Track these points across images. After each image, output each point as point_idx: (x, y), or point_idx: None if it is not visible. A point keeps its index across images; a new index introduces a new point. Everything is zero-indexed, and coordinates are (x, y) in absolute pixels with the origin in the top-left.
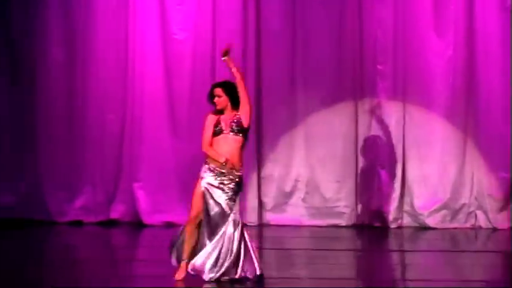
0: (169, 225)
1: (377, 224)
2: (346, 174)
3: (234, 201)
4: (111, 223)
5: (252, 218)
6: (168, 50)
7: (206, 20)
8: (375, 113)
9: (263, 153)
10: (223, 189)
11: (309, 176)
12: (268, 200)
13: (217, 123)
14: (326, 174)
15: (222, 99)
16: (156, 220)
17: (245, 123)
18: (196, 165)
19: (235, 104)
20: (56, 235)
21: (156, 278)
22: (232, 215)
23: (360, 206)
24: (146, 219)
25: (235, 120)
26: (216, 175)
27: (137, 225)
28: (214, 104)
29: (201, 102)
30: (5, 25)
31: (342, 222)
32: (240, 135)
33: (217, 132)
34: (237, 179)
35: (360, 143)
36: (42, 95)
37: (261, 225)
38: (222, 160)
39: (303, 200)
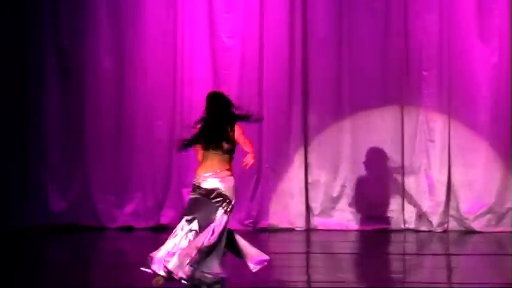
0: None
1: (423, 228)
2: (392, 179)
3: (223, 206)
4: (160, 228)
5: (299, 223)
6: (216, 57)
7: (254, 27)
8: (420, 118)
9: (310, 159)
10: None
11: (356, 180)
12: (316, 205)
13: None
14: (372, 179)
15: None
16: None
17: (239, 140)
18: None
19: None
20: (106, 240)
21: None
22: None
23: (406, 211)
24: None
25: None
26: (197, 187)
27: None
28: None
29: (249, 107)
30: (55, 33)
31: (389, 226)
32: (226, 155)
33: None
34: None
35: (406, 147)
36: (91, 102)
37: (309, 230)
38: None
39: (350, 204)
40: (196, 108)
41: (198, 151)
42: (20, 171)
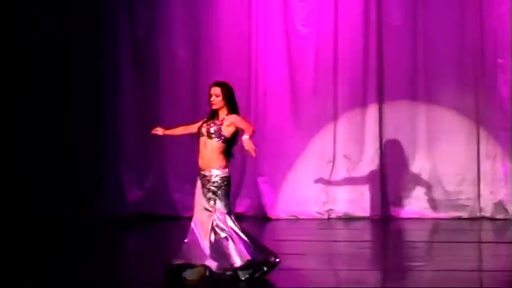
0: (294, 219)
1: (499, 217)
2: (467, 167)
3: (214, 200)
4: (236, 217)
5: (375, 211)
6: (291, 46)
7: (328, 15)
8: (496, 105)
9: (384, 147)
10: (204, 190)
11: (431, 169)
12: (391, 193)
13: (201, 126)
14: (448, 167)
15: (218, 99)
16: (281, 214)
17: (226, 133)
18: (319, 159)
19: (231, 108)
20: (182, 229)
21: (281, 271)
22: (214, 214)
23: (482, 199)
24: (270, 213)
25: (212, 125)
26: (200, 178)
27: (262, 219)
28: (209, 103)
29: (324, 96)
30: (130, 24)
31: (464, 214)
32: (217, 140)
33: (198, 135)
34: (216, 180)
35: (482, 135)
36: (166, 92)
37: (385, 219)
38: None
39: (425, 193)
40: (271, 97)
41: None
42: (96, 161)
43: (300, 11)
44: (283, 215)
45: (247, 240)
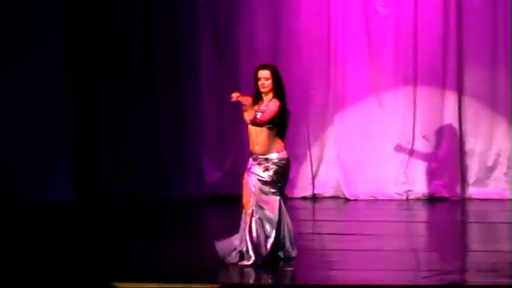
0: (373, 200)
1: None
2: None
3: (273, 186)
4: (314, 198)
5: (454, 192)
6: (370, 26)
7: None
8: None
9: (465, 128)
10: (264, 175)
11: (511, 150)
12: (471, 175)
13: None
14: None
15: (268, 82)
16: (360, 194)
17: (264, 117)
18: (399, 139)
19: (278, 91)
20: None
21: (359, 251)
22: (277, 198)
23: None
24: (349, 194)
25: (257, 114)
26: (258, 163)
27: (341, 199)
28: (257, 86)
29: (403, 78)
30: (210, 5)
31: None
32: (267, 126)
33: (247, 123)
34: (280, 164)
35: None
36: (245, 74)
37: (464, 200)
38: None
39: (505, 174)
40: (350, 78)
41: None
42: (177, 144)
43: None
44: (362, 196)
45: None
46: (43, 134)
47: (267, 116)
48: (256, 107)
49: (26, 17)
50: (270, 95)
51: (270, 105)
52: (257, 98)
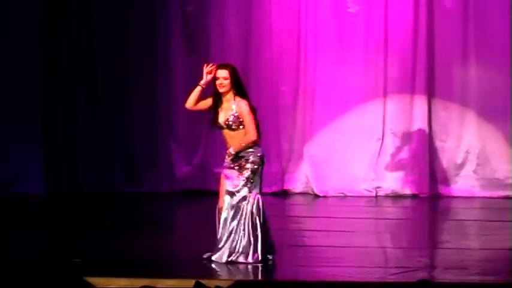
0: (342, 196)
1: None
2: None
3: (251, 182)
4: (283, 193)
5: (423, 189)
6: (340, 23)
7: None
8: None
9: (434, 125)
10: (240, 172)
11: (480, 147)
12: (440, 172)
13: (216, 119)
14: (497, 146)
15: (226, 82)
16: (329, 191)
17: (251, 135)
18: (368, 136)
19: (238, 90)
20: None
21: (329, 247)
22: (250, 195)
23: None
24: (318, 190)
25: (229, 117)
26: (232, 160)
27: (310, 195)
28: (215, 86)
29: (374, 74)
30: (182, 1)
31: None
32: (241, 128)
33: (216, 128)
34: (252, 161)
35: None
36: None
37: (433, 197)
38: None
39: (474, 171)
40: (320, 74)
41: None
42: (147, 137)
43: None
44: (331, 192)
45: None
46: (14, 124)
47: (252, 127)
48: (222, 114)
49: None
50: (230, 94)
51: (242, 110)
52: (216, 98)
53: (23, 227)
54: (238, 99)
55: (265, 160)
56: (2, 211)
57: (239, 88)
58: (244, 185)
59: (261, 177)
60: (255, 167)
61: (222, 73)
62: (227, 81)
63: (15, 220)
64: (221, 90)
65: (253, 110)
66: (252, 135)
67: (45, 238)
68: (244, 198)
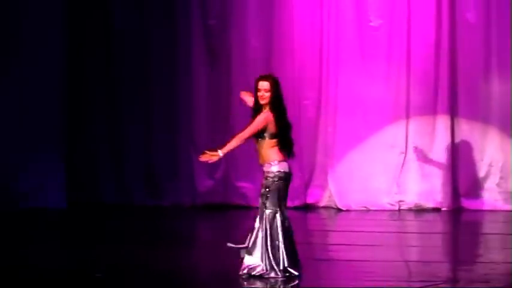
0: (365, 210)
1: None
2: None
3: (267, 197)
4: (306, 207)
5: (446, 202)
6: (362, 37)
7: (401, 8)
8: None
9: (457, 139)
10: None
11: (503, 160)
12: (463, 185)
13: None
14: None
15: (267, 94)
16: (352, 204)
17: (246, 130)
18: (391, 150)
19: (274, 104)
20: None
21: (353, 262)
22: (265, 211)
23: None
24: (341, 204)
25: None
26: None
27: (333, 209)
28: (257, 97)
29: (396, 88)
30: (202, 14)
31: None
32: (266, 136)
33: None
34: (268, 176)
35: None
36: (238, 82)
37: (456, 210)
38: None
39: (498, 184)
40: (342, 88)
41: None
42: (169, 151)
43: (372, 1)
44: (354, 206)
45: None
46: (35, 137)
47: (249, 128)
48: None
49: (18, 16)
50: (267, 106)
51: (257, 118)
52: (256, 108)
53: (44, 239)
54: (264, 112)
55: (289, 177)
56: (25, 222)
57: (276, 101)
58: (261, 201)
59: (280, 193)
60: (270, 182)
61: (264, 85)
62: (268, 94)
63: (36, 231)
64: (262, 102)
65: (284, 123)
66: (242, 132)
67: (66, 251)
68: (261, 214)
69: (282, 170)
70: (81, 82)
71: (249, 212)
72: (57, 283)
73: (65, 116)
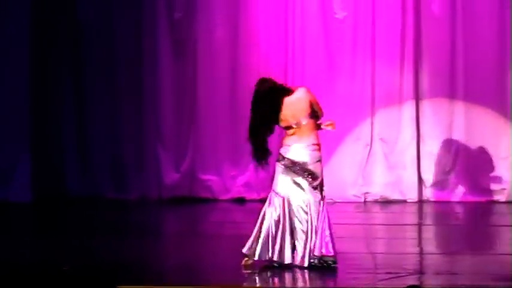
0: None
1: None
2: (505, 151)
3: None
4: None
5: (412, 194)
6: (327, 29)
7: (366, 0)
8: None
9: (423, 130)
10: None
11: (468, 153)
12: (428, 177)
13: None
14: (484, 152)
15: None
16: None
17: None
18: (357, 142)
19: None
20: (219, 212)
21: None
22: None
23: None
24: None
25: None
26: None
27: None
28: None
29: (361, 80)
30: (169, 5)
31: (501, 198)
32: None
33: None
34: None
35: None
36: (204, 73)
37: (421, 202)
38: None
39: (462, 176)
40: (307, 80)
41: None
42: (135, 142)
43: None
44: None
45: None
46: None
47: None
48: None
49: None
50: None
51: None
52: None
53: (11, 234)
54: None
55: (284, 158)
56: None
57: None
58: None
59: (279, 176)
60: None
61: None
62: None
63: (2, 226)
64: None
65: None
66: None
67: (34, 245)
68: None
69: (281, 153)
70: (45, 73)
71: (215, 204)
72: (22, 277)
73: (32, 111)
